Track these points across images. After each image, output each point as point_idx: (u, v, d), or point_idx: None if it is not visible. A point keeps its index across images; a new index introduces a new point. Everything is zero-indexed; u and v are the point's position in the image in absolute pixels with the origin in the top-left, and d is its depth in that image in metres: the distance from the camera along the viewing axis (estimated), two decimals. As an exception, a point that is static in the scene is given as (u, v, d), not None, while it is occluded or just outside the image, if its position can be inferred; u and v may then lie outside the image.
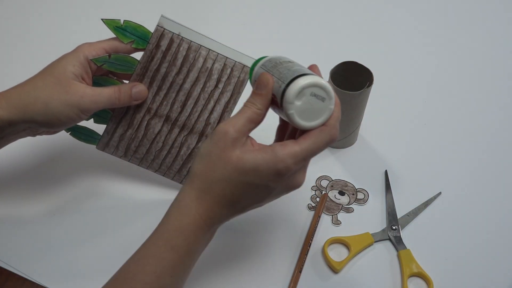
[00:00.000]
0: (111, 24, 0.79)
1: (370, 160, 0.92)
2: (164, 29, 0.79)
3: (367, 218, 0.86)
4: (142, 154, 0.84)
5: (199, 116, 0.81)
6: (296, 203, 0.87)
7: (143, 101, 0.81)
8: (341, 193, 0.88)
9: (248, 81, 0.75)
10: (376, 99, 0.96)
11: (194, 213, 0.67)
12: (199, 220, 0.67)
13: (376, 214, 0.87)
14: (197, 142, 0.83)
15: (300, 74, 0.65)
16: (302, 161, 0.66)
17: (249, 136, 0.68)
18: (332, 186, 0.89)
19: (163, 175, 0.86)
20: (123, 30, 0.79)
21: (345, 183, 0.89)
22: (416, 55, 1.07)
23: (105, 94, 0.77)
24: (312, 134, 0.66)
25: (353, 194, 0.88)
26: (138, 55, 0.80)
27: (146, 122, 0.82)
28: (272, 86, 0.67)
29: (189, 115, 0.81)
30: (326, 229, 0.85)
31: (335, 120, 0.67)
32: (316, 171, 0.90)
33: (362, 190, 0.89)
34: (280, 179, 0.66)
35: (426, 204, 0.88)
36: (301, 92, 0.64)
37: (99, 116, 0.82)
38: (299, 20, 1.12)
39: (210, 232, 0.69)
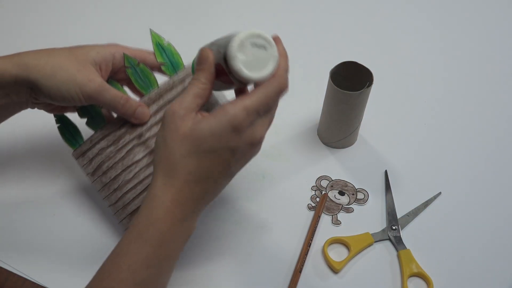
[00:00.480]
0: (156, 38, 0.80)
1: (370, 160, 0.92)
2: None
3: (367, 218, 0.86)
4: (109, 179, 0.80)
5: None
6: (296, 203, 0.87)
7: (139, 124, 0.79)
8: (341, 193, 0.88)
9: None
10: (377, 99, 0.96)
11: (162, 201, 0.66)
12: (170, 207, 0.66)
13: (376, 214, 0.87)
14: None
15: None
16: (255, 113, 0.66)
17: (198, 111, 0.68)
18: (332, 186, 0.89)
19: (114, 214, 0.81)
20: (163, 49, 0.80)
21: (345, 183, 0.89)
22: (416, 55, 1.07)
23: (112, 93, 0.76)
24: (261, 86, 0.66)
25: (353, 194, 0.88)
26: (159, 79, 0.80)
27: (131, 146, 0.79)
28: (212, 59, 0.68)
29: None
30: (326, 229, 0.85)
31: (283, 70, 0.67)
32: (316, 171, 0.90)
33: (362, 190, 0.89)
34: (238, 135, 0.65)
35: (426, 204, 0.88)
36: (241, 44, 0.64)
37: (93, 119, 0.81)
38: (299, 20, 1.12)
39: (188, 221, 0.67)
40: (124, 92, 0.81)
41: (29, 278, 0.79)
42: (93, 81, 0.75)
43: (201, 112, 0.68)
